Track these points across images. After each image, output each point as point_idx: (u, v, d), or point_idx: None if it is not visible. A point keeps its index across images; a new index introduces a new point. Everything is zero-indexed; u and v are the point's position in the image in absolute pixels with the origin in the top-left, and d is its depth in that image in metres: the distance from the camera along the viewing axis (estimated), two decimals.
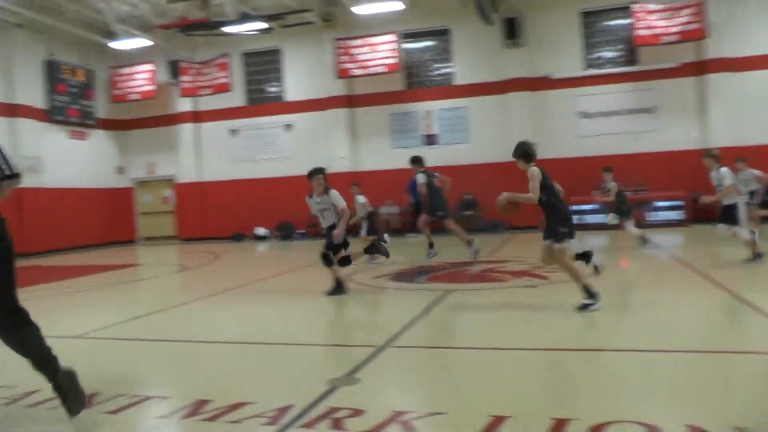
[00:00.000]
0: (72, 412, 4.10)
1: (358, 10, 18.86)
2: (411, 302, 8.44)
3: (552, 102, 19.79)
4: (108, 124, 23.69)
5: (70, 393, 4.10)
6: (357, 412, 3.93)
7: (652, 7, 18.10)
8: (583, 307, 6.66)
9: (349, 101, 21.58)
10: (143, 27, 21.15)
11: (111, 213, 23.42)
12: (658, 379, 4.45)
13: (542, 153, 19.30)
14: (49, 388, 4.67)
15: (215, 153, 23.09)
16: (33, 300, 10.17)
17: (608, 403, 4.00)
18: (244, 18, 19.58)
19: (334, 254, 8.76)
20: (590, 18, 19.68)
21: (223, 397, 4.42)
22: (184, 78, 22.19)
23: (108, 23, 20.58)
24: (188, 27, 20.71)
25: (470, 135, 20.41)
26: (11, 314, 4.17)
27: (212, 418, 4.03)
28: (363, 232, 13.47)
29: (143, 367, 5.75)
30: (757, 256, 9.56)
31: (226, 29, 20.13)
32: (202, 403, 4.31)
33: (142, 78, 22.82)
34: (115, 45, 21.55)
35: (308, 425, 3.80)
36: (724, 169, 9.61)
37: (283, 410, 4.05)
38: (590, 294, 6.71)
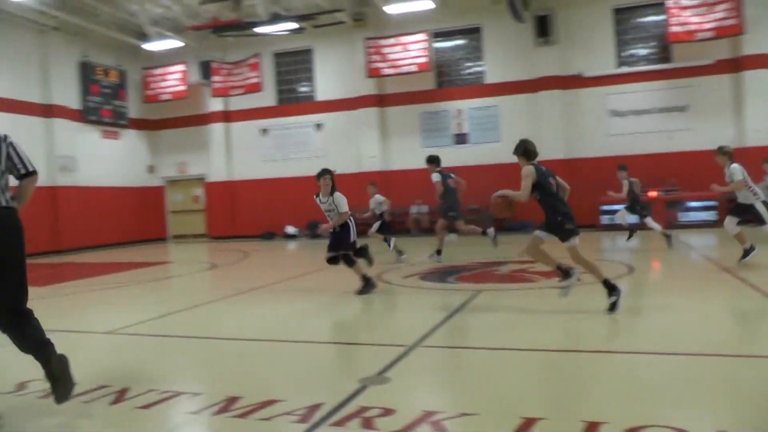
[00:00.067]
0: (59, 398, 4.15)
1: (389, 9, 18.86)
2: (441, 302, 8.42)
3: (583, 100, 19.59)
4: (140, 124, 24.06)
5: (61, 379, 4.14)
6: (387, 412, 3.93)
7: (687, 2, 17.75)
8: (612, 307, 6.61)
9: (380, 100, 21.59)
10: (175, 28, 21.39)
11: (142, 211, 23.79)
12: (689, 383, 4.39)
13: (572, 152, 19.37)
14: (84, 380, 4.78)
15: (246, 152, 23.28)
16: (66, 296, 10.39)
17: (640, 406, 3.93)
18: (276, 18, 19.68)
19: (344, 254, 8.84)
20: (623, 15, 19.42)
21: (254, 394, 4.44)
22: (216, 78, 22.40)
23: (141, 25, 20.87)
24: (220, 28, 20.89)
25: (501, 134, 20.28)
26: (19, 317, 4.25)
27: (243, 415, 4.06)
28: (373, 229, 13.57)
29: (173, 364, 5.82)
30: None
31: (257, 30, 20.25)
32: (233, 399, 4.34)
33: (173, 78, 23.10)
34: (147, 46, 21.85)
35: (339, 424, 3.80)
36: (734, 166, 9.67)
37: (313, 408, 4.06)
38: (610, 288, 6.68)
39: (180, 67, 22.92)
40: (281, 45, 22.50)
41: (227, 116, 23.68)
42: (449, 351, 5.80)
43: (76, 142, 20.92)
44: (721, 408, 3.94)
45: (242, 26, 20.27)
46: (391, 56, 20.43)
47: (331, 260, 8.95)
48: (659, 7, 18.51)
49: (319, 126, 22.42)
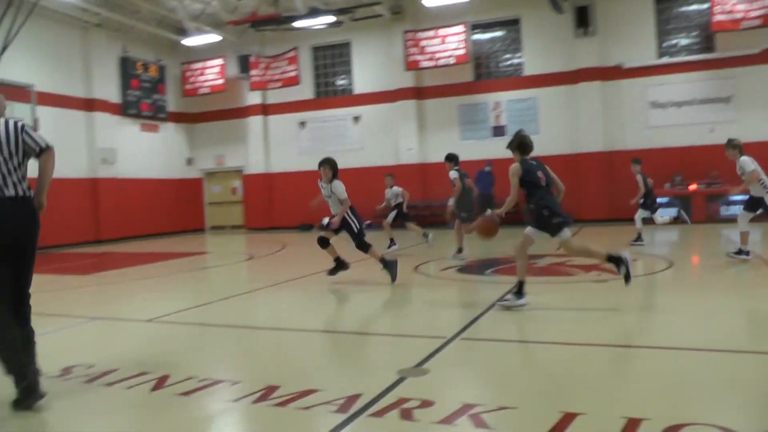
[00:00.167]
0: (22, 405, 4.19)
1: (427, 2, 18.75)
2: (478, 295, 8.40)
3: (623, 92, 19.28)
4: (178, 117, 24.40)
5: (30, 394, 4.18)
6: (426, 403, 3.93)
7: None
8: (627, 278, 6.60)
9: (418, 93, 21.54)
10: (214, 23, 21.60)
11: (180, 203, 24.16)
12: (734, 381, 4.28)
13: (612, 144, 19.12)
14: (126, 367, 4.88)
15: (283, 145, 23.43)
16: (107, 285, 10.60)
17: (682, 403, 3.87)
18: (314, 12, 19.75)
19: (362, 243, 9.46)
20: (664, 4, 19.04)
21: (292, 383, 4.48)
22: (254, 72, 22.57)
23: (180, 21, 21.11)
24: (259, 22, 21.03)
25: (540, 126, 20.06)
26: (25, 301, 4.50)
27: (282, 404, 4.09)
28: (388, 219, 13.84)
29: (212, 352, 5.89)
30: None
31: (296, 24, 20.35)
32: (272, 388, 4.38)
33: (212, 72, 23.36)
34: (186, 41, 22.10)
35: (378, 414, 3.81)
36: (744, 158, 9.54)
37: (352, 399, 4.07)
38: (617, 261, 6.63)
39: (218, 62, 23.16)
40: (319, 39, 22.58)
41: (265, 109, 23.87)
42: (487, 343, 5.78)
43: (116, 135, 21.32)
44: None
45: (281, 20, 20.38)
46: (429, 49, 20.34)
47: (320, 241, 9.59)
48: None
49: (356, 119, 22.46)
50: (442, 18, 20.27)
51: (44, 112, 17.68)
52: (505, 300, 6.81)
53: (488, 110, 20.80)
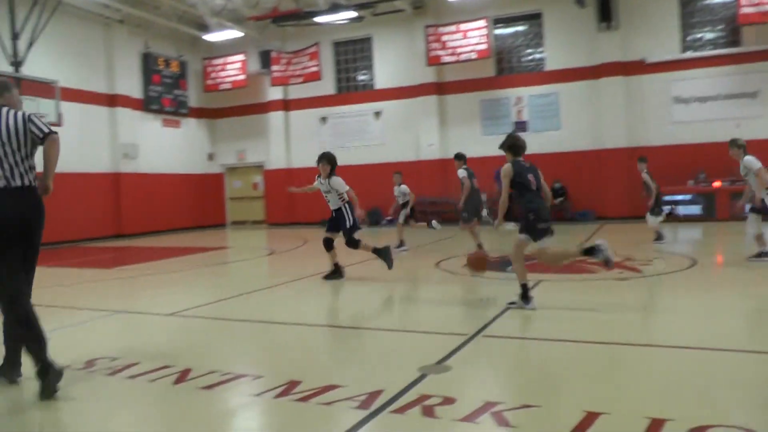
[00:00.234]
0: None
1: None
2: (500, 291, 8.34)
3: (646, 87, 19.06)
4: (200, 113, 24.57)
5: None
6: (448, 400, 3.93)
7: None
8: (607, 263, 6.55)
9: (439, 88, 21.47)
10: (236, 19, 21.69)
11: (202, 198, 24.34)
12: (762, 383, 4.22)
13: (634, 140, 18.91)
14: (148, 360, 4.92)
15: (304, 140, 23.46)
16: (129, 279, 10.68)
17: (708, 405, 3.82)
18: (335, 8, 19.77)
19: (351, 240, 9.42)
20: None
21: (314, 378, 4.49)
22: (275, 67, 22.63)
23: (201, 16, 21.22)
24: (280, 18, 21.11)
25: (561, 122, 19.95)
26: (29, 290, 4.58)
27: (304, 399, 4.11)
28: (400, 219, 13.68)
29: (234, 346, 5.93)
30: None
31: (317, 19, 20.38)
32: (294, 383, 4.40)
33: (233, 68, 23.48)
34: (208, 37, 22.27)
35: (399, 411, 3.81)
36: (748, 158, 9.40)
37: (374, 395, 4.07)
38: (591, 251, 6.52)
39: (240, 57, 23.26)
40: (340, 34, 22.58)
41: (286, 105, 23.93)
42: (509, 341, 5.76)
43: (138, 130, 21.51)
44: None
45: (302, 16, 20.44)
46: (451, 44, 20.27)
47: (326, 242, 9.59)
48: None
49: (377, 114, 22.45)
50: (464, 12, 20.20)
51: (68, 108, 17.84)
52: (513, 304, 6.77)
53: (510, 105, 20.69)
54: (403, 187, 13.82)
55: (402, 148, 21.68)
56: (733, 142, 9.75)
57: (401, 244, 13.18)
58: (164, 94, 22.57)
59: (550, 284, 8.53)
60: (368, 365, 5.00)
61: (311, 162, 23.61)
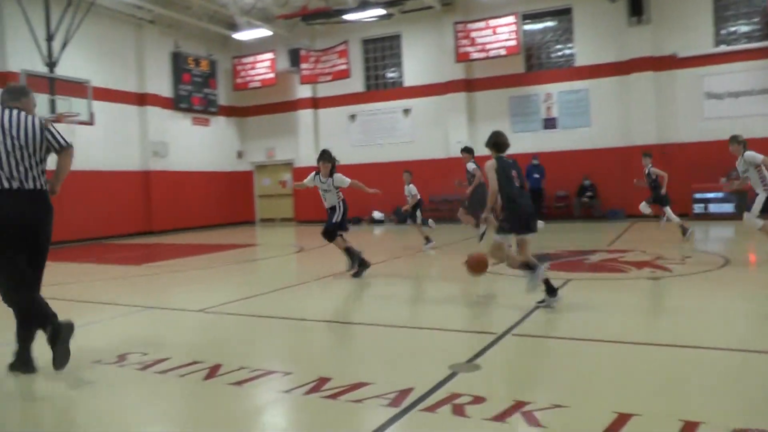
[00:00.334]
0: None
1: None
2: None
3: (677, 82, 18.76)
4: (229, 111, 24.76)
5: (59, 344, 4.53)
6: (478, 399, 3.91)
7: None
8: (529, 284, 6.69)
9: (468, 85, 21.39)
10: (265, 18, 21.81)
11: (231, 195, 24.53)
12: None
13: (665, 137, 18.65)
14: (178, 355, 4.97)
15: (334, 138, 23.48)
16: (159, 275, 10.80)
17: (744, 408, 3.74)
18: (364, 5, 19.79)
19: (330, 233, 9.55)
20: None
21: (344, 375, 4.51)
22: (304, 65, 22.70)
23: (231, 15, 21.38)
24: (309, 16, 21.19)
25: (591, 118, 19.75)
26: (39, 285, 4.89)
27: (334, 396, 4.12)
28: (418, 220, 13.50)
29: (263, 343, 5.98)
30: None
31: (346, 17, 20.42)
32: (323, 380, 4.41)
33: (262, 66, 23.62)
34: (237, 36, 22.46)
35: (429, 409, 3.80)
36: (749, 153, 9.34)
37: (404, 393, 4.07)
38: (529, 267, 6.65)
39: (269, 56, 23.40)
40: (369, 31, 22.59)
41: (315, 103, 24.01)
42: (540, 340, 5.72)
43: (167, 128, 21.76)
44: None
45: (331, 14, 20.50)
46: (480, 40, 20.17)
47: (325, 235, 9.70)
48: None
49: (406, 111, 22.43)
50: (493, 8, 20.09)
51: (99, 107, 18.08)
52: (542, 302, 6.72)
53: (539, 102, 20.53)
54: (411, 186, 13.67)
55: (431, 146, 21.64)
56: (734, 138, 9.73)
57: (428, 240, 13.11)
58: (194, 92, 22.80)
59: (580, 283, 8.46)
60: (398, 363, 5.00)
61: (340, 160, 23.66)
